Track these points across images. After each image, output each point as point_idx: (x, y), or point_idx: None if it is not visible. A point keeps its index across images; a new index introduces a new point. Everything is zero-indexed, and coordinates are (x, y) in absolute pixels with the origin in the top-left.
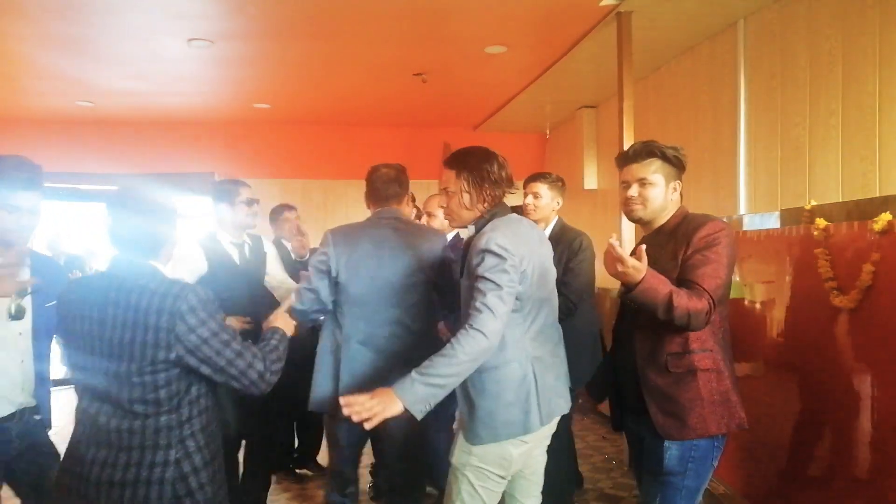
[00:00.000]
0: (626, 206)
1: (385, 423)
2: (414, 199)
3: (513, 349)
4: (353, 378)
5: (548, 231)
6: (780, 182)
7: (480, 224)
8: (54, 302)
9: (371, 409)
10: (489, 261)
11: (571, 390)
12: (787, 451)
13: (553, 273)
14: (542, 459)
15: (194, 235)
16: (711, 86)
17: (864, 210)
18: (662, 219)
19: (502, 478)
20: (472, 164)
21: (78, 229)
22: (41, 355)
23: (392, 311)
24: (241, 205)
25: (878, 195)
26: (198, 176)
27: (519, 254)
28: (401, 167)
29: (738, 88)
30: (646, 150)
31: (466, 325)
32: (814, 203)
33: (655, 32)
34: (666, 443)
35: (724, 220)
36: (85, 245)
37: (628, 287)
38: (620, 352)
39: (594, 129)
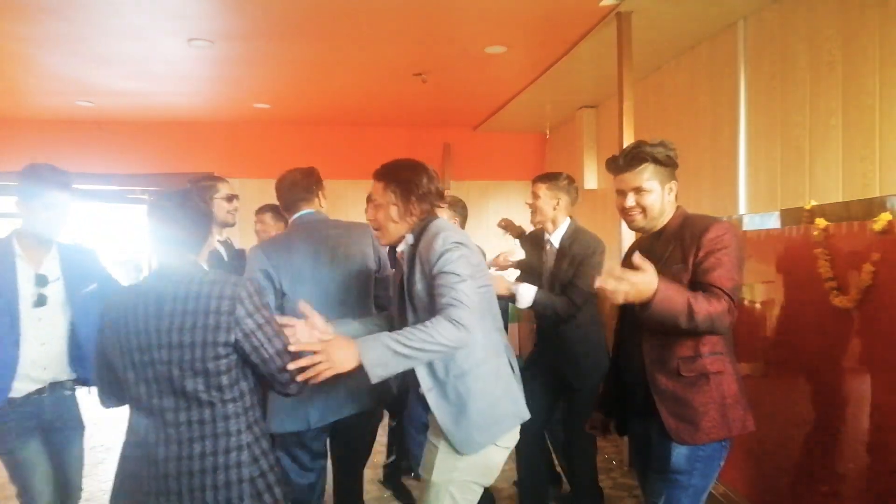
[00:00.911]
0: (626, 217)
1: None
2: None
3: (486, 344)
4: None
5: (559, 234)
6: (780, 182)
7: (418, 231)
8: (94, 285)
9: (318, 365)
10: (450, 255)
11: (574, 388)
12: (787, 451)
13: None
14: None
15: None
16: (711, 86)
17: (864, 210)
18: (662, 222)
19: (482, 487)
20: (401, 176)
21: (77, 229)
22: (87, 337)
23: (339, 308)
24: (220, 201)
25: (878, 195)
26: (198, 176)
27: (471, 245)
28: (307, 170)
29: (738, 88)
30: (637, 157)
31: (445, 314)
32: (814, 203)
33: (655, 32)
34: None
35: (725, 220)
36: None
37: (643, 305)
38: (625, 356)
39: (594, 129)
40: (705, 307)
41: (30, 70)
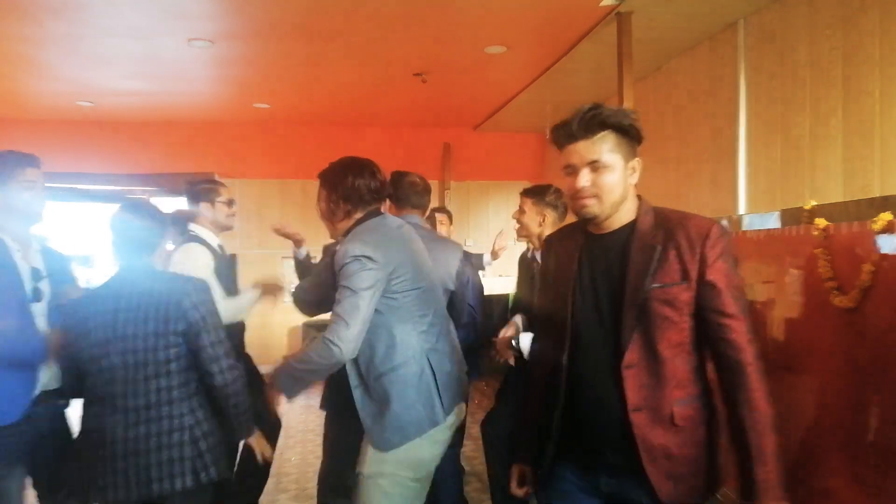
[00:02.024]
0: (575, 202)
1: None
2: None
3: (405, 347)
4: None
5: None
6: (780, 182)
7: (345, 235)
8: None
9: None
10: (347, 269)
11: None
12: (786, 452)
13: (430, 269)
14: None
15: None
16: (711, 86)
17: (864, 210)
18: (624, 214)
19: (417, 481)
20: (331, 178)
21: (77, 229)
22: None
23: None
24: (221, 205)
25: (878, 195)
26: (198, 176)
27: (383, 256)
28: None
29: (738, 88)
30: (596, 121)
31: (322, 334)
32: (814, 203)
33: (655, 32)
34: None
35: (724, 221)
36: (87, 246)
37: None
38: (587, 395)
39: None
40: (761, 399)
41: (30, 70)
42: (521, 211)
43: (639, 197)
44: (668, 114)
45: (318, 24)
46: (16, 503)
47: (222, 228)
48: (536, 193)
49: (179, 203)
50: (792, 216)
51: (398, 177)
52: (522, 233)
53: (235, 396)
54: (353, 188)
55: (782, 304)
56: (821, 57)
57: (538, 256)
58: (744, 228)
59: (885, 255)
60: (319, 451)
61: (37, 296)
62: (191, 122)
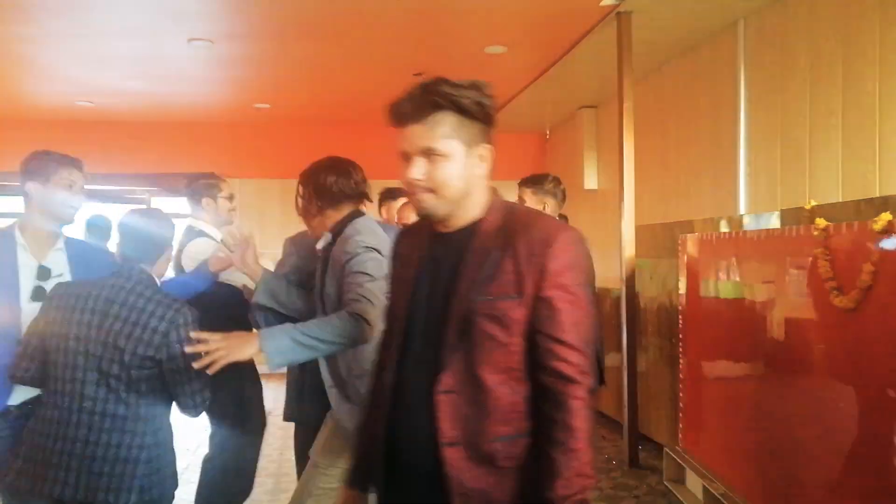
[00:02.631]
0: (411, 196)
1: None
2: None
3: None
4: None
5: None
6: (780, 182)
7: (337, 230)
8: None
9: (217, 350)
10: (361, 257)
11: None
12: (786, 451)
13: None
14: None
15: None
16: (711, 86)
17: (863, 210)
18: (471, 210)
19: None
20: (307, 174)
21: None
22: None
23: None
24: (223, 200)
25: (878, 195)
26: (198, 176)
27: (384, 252)
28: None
29: (738, 89)
30: (428, 100)
31: (347, 310)
32: (814, 203)
33: (655, 32)
34: None
35: (724, 221)
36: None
37: None
38: (404, 423)
39: (594, 130)
40: (578, 436)
41: (30, 70)
42: (521, 200)
43: (494, 191)
44: (668, 114)
45: (318, 24)
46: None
47: (223, 223)
48: (535, 182)
49: (179, 203)
50: (792, 216)
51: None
52: None
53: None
54: (327, 187)
55: (782, 304)
56: (821, 57)
57: None
58: (744, 228)
59: (885, 255)
60: None
61: (37, 294)
62: (191, 122)
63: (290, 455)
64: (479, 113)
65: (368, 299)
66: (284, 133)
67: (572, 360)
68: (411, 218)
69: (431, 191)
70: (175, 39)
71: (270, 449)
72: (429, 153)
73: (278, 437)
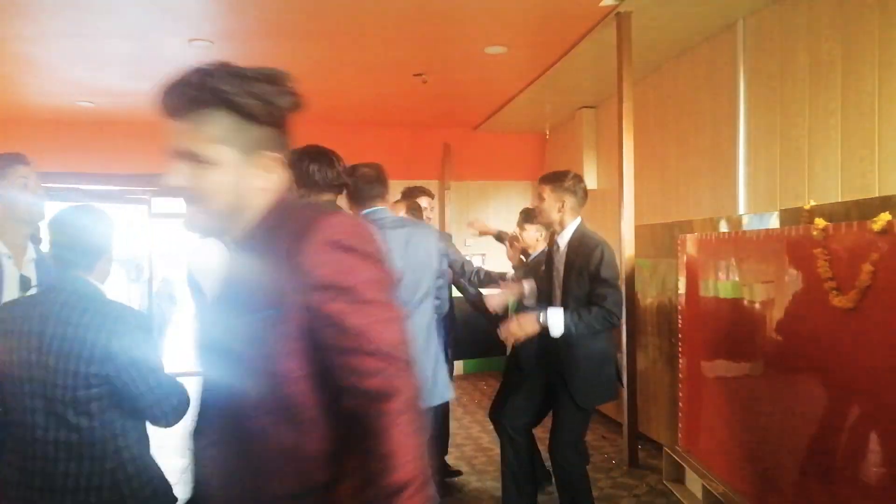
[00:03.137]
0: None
1: None
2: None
3: None
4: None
5: (566, 237)
6: (780, 182)
7: None
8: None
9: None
10: None
11: (584, 410)
12: (786, 451)
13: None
14: None
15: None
16: (711, 86)
17: (863, 210)
18: (248, 215)
19: None
20: (292, 163)
21: None
22: None
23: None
24: None
25: (877, 195)
26: None
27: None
28: (380, 166)
29: (737, 89)
30: (196, 96)
31: None
32: (813, 203)
33: (655, 32)
34: None
35: (724, 221)
36: None
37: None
38: (200, 470)
39: (594, 130)
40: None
41: (30, 70)
42: (541, 198)
43: (281, 191)
44: (668, 114)
45: (318, 25)
46: None
47: None
48: (554, 180)
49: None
50: (792, 216)
51: (349, 172)
52: (542, 220)
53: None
54: (306, 173)
55: (781, 304)
56: (820, 57)
57: (560, 242)
58: (744, 228)
59: (885, 255)
60: None
61: None
62: None
63: None
64: (263, 115)
65: None
66: None
67: (369, 369)
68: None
69: (200, 204)
70: (175, 39)
71: None
72: (191, 157)
73: None
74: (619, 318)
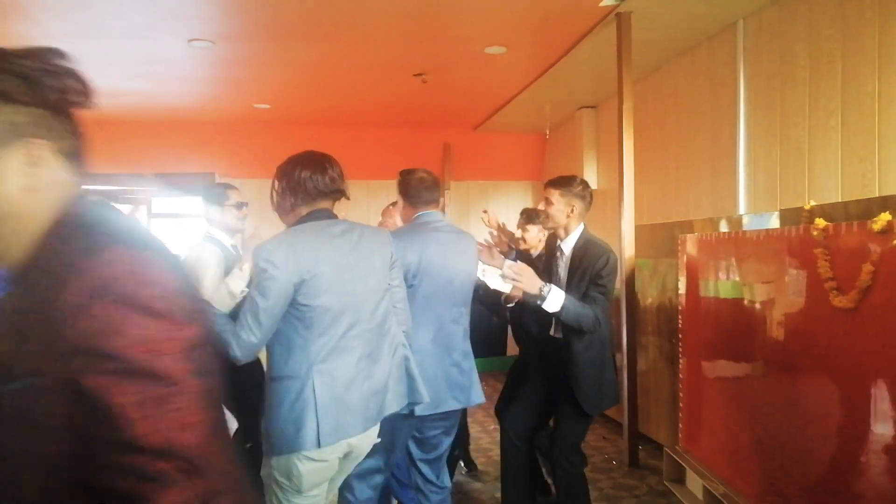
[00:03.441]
0: None
1: None
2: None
3: (295, 362)
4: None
5: (571, 242)
6: (780, 182)
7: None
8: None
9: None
10: (256, 270)
11: (587, 415)
12: (786, 451)
13: (365, 281)
14: (347, 469)
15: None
16: (711, 86)
17: (863, 210)
18: (13, 230)
19: (304, 496)
20: (282, 168)
21: None
22: None
23: (452, 308)
24: (230, 208)
25: (877, 195)
26: (198, 176)
27: (294, 263)
28: (432, 172)
29: (737, 89)
30: None
31: (232, 328)
32: (813, 203)
33: (655, 33)
34: None
35: (724, 221)
36: None
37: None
38: None
39: (594, 130)
40: None
41: None
42: (549, 202)
43: (71, 213)
44: (668, 114)
45: (318, 25)
46: None
47: (234, 231)
48: (563, 184)
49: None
50: (792, 216)
51: (406, 175)
52: (550, 224)
53: None
54: (298, 181)
55: (782, 304)
56: (820, 57)
57: (564, 247)
58: (744, 228)
59: (885, 255)
60: None
61: None
62: (191, 122)
63: None
64: (21, 94)
65: (247, 318)
66: (284, 133)
67: (131, 467)
68: (397, 222)
69: None
70: (175, 40)
71: None
72: None
73: None
74: (600, 327)
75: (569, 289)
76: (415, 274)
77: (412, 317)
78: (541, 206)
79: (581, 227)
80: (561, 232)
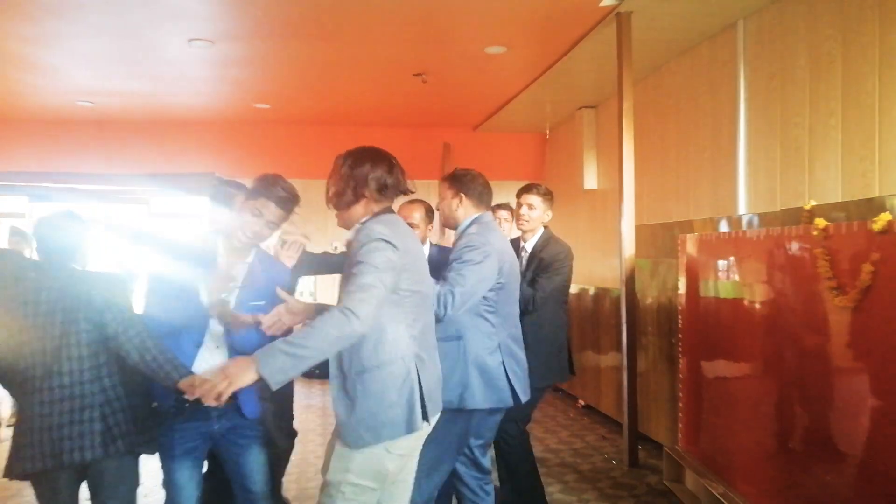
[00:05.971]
0: None
1: None
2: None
3: (395, 347)
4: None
5: (533, 241)
6: (780, 182)
7: (365, 222)
8: (262, 302)
9: (217, 385)
10: (369, 246)
11: (537, 389)
12: (786, 451)
13: (427, 273)
14: (413, 467)
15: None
16: (711, 86)
17: (863, 210)
18: None
19: (376, 492)
20: (348, 162)
21: None
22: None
23: (514, 309)
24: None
25: (877, 195)
26: (198, 176)
27: (402, 248)
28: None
29: (737, 89)
30: None
31: (340, 306)
32: (814, 203)
33: (655, 33)
34: None
35: (724, 221)
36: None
37: None
38: None
39: (594, 129)
40: None
41: (30, 70)
42: (532, 206)
43: None
44: (668, 114)
45: (319, 24)
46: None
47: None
48: (539, 190)
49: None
50: (792, 216)
51: (471, 175)
52: (530, 225)
53: (154, 361)
54: (364, 178)
55: (781, 304)
56: (820, 57)
57: (527, 246)
58: (743, 228)
59: (885, 255)
60: (320, 451)
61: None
62: (191, 122)
63: (291, 455)
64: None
65: (365, 292)
66: (284, 133)
67: None
68: (415, 217)
69: None
70: (175, 39)
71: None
72: None
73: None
74: (535, 307)
75: (523, 279)
76: (501, 271)
77: (498, 314)
78: (522, 212)
79: (542, 229)
80: (528, 235)
